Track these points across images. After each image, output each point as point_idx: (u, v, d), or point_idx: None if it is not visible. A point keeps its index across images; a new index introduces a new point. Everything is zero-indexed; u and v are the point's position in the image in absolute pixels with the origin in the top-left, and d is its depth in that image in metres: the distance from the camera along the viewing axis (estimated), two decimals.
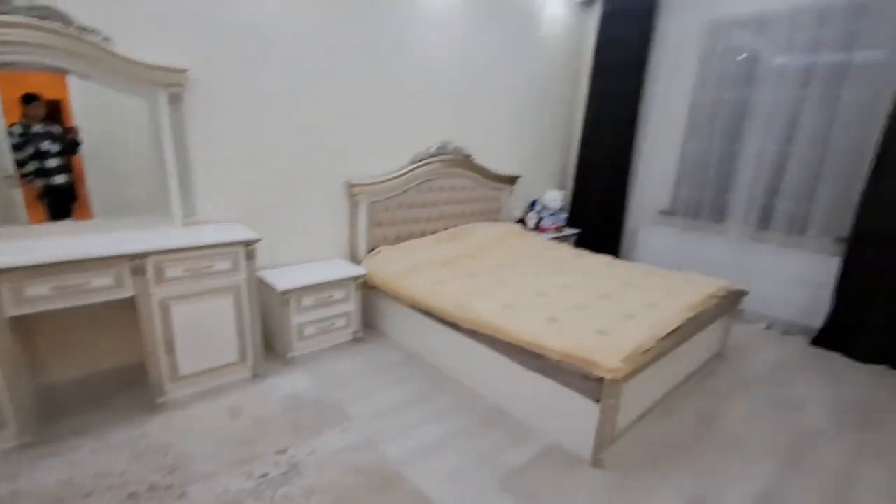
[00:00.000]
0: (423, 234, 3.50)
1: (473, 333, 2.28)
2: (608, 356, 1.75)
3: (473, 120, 3.73)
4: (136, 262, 1.92)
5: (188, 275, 2.07)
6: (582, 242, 4.41)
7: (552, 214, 4.32)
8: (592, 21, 4.24)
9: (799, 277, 3.23)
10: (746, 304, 3.39)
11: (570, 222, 4.55)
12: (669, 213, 3.93)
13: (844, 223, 3.01)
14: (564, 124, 4.59)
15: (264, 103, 2.58)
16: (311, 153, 2.83)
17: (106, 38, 2.02)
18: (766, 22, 3.24)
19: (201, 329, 2.17)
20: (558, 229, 4.28)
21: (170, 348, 2.09)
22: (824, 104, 3.04)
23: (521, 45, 3.90)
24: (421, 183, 3.38)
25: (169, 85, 2.20)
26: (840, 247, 3.03)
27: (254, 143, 2.59)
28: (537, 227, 4.26)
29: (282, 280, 2.54)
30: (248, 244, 2.23)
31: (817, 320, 3.14)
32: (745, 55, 3.38)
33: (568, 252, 3.48)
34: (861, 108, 2.90)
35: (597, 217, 4.36)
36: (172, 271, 2.03)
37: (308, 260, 2.96)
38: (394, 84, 3.13)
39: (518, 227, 3.94)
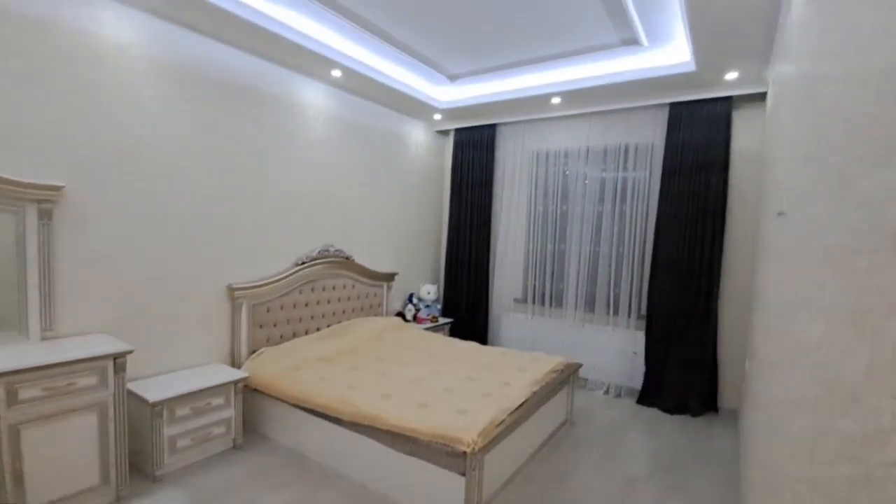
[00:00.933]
0: (306, 332, 3.64)
1: (355, 425, 2.46)
2: (466, 432, 2.09)
3: (353, 225, 4.17)
4: None
5: (47, 394, 1.97)
6: (455, 330, 4.90)
7: (427, 306, 4.80)
8: (449, 145, 5.17)
9: (621, 349, 4.05)
10: (589, 374, 4.11)
11: (444, 312, 5.06)
12: (522, 301, 4.67)
13: (643, 304, 3.96)
14: (434, 227, 5.29)
15: (141, 214, 2.66)
16: (190, 260, 2.92)
17: None
18: (571, 155, 4.36)
19: (57, 453, 2.01)
20: (433, 320, 4.72)
21: (18, 478, 1.89)
22: (616, 214, 4.11)
23: (392, 162, 4.58)
24: (304, 284, 3.60)
25: (40, 201, 2.23)
26: (643, 322, 3.93)
27: (129, 252, 2.62)
28: (415, 319, 4.67)
29: (154, 391, 2.47)
30: (117, 357, 2.20)
31: (639, 382, 3.93)
32: (562, 177, 4.44)
33: (441, 340, 3.90)
34: (639, 217, 3.99)
35: (466, 307, 4.94)
36: (28, 392, 1.92)
37: (186, 366, 2.90)
38: (276, 194, 3.44)
39: (397, 319, 4.29)
